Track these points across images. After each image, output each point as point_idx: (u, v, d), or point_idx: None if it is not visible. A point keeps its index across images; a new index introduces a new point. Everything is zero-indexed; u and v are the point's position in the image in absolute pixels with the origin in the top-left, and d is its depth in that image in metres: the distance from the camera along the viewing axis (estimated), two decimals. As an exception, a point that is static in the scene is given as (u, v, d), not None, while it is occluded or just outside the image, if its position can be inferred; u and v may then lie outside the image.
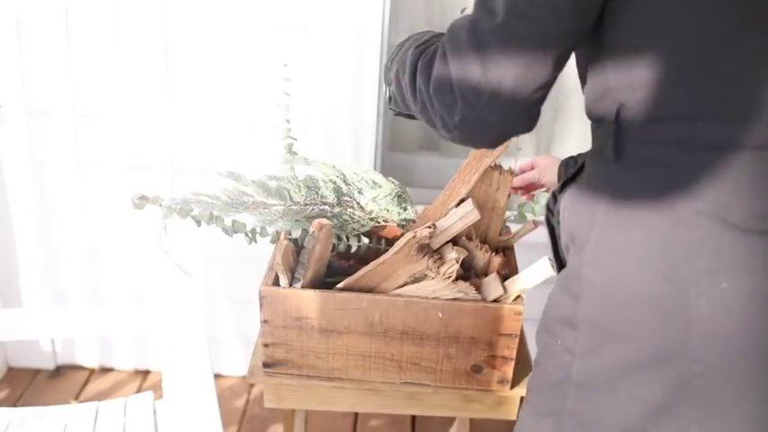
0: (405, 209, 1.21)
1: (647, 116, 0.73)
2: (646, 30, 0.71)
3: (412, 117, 0.97)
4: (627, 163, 0.75)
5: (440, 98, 0.78)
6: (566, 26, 0.72)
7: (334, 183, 1.20)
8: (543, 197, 1.24)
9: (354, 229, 1.22)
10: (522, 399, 1.19)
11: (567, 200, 0.84)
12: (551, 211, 0.90)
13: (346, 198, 1.21)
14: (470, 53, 0.74)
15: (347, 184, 1.21)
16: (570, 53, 0.77)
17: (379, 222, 1.22)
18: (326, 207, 1.19)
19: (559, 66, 0.76)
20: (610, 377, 0.75)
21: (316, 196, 1.19)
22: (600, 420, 0.77)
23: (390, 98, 1.01)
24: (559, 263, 0.90)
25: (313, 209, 1.18)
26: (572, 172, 0.87)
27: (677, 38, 0.70)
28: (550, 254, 0.91)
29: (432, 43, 0.84)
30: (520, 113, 0.77)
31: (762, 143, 0.69)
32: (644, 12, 0.71)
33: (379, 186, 1.20)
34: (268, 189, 1.15)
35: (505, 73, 0.73)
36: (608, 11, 0.73)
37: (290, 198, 1.17)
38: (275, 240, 1.23)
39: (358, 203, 1.21)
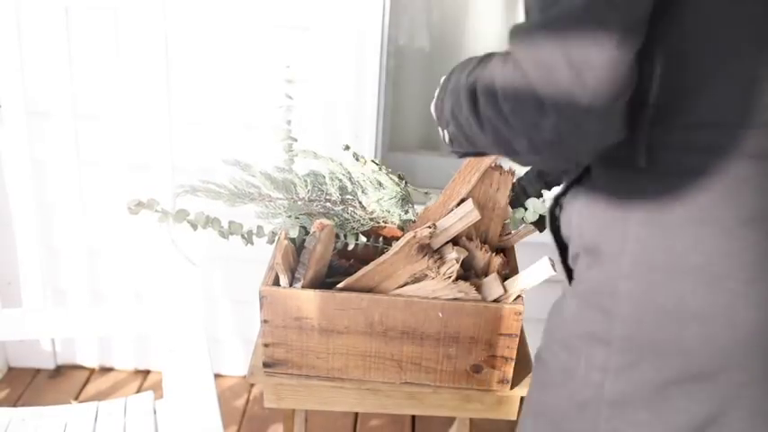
0: (406, 211, 1.21)
1: (685, 123, 0.69)
2: (696, 37, 0.66)
3: (481, 153, 0.85)
4: (660, 171, 0.71)
5: (521, 118, 0.66)
6: (646, 11, 0.64)
7: (340, 180, 1.21)
8: (532, 203, 1.23)
9: (354, 228, 1.22)
10: (521, 399, 1.19)
11: (577, 206, 0.79)
12: (554, 217, 0.86)
13: (349, 197, 1.21)
14: (554, 55, 0.62)
15: (352, 183, 1.21)
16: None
17: (378, 223, 1.22)
18: (329, 204, 1.20)
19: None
20: (650, 393, 0.73)
21: (320, 192, 1.19)
22: None
23: (451, 141, 0.85)
24: (567, 270, 0.85)
25: (316, 205, 1.18)
26: (575, 176, 0.82)
27: (726, 46, 0.66)
28: (557, 259, 0.86)
29: (483, 64, 0.73)
30: (619, 117, 0.66)
31: None
32: (696, 18, 0.66)
33: (384, 188, 1.20)
34: (275, 181, 1.16)
35: (600, 72, 0.61)
36: (660, 15, 0.66)
37: (296, 192, 1.17)
38: (271, 241, 1.23)
39: (360, 203, 1.21)
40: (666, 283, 0.71)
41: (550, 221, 0.86)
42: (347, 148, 1.27)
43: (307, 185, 1.18)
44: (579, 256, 0.80)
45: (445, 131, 0.83)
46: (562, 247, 0.85)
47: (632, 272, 0.73)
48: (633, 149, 0.72)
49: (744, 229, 0.68)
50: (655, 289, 0.72)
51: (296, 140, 1.29)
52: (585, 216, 0.78)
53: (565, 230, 0.84)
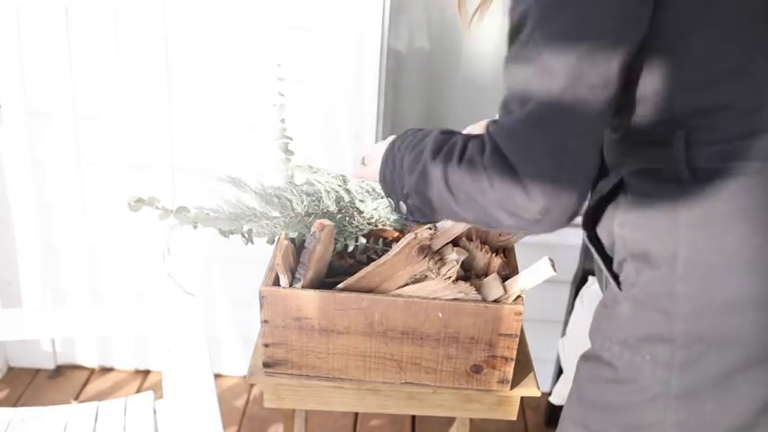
0: None
1: (714, 139, 0.75)
2: (712, 55, 0.73)
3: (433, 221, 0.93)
4: (701, 179, 0.77)
5: (509, 204, 0.75)
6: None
7: (337, 192, 1.21)
8: None
9: (353, 234, 1.22)
10: (522, 399, 1.19)
11: (617, 219, 0.85)
12: (591, 229, 0.90)
13: (347, 205, 1.21)
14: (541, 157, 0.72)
15: (349, 194, 1.22)
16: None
17: (377, 226, 1.22)
18: (327, 217, 1.20)
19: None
20: (715, 384, 0.78)
21: (317, 206, 1.19)
22: (709, 426, 0.80)
23: (410, 211, 0.90)
24: (613, 275, 0.90)
25: (314, 218, 1.18)
26: (607, 189, 0.87)
27: (736, 58, 0.73)
28: (604, 270, 0.91)
29: (451, 143, 0.81)
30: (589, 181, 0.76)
31: None
32: (706, 45, 0.73)
33: (381, 197, 1.20)
34: (270, 201, 1.15)
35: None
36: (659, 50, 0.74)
37: (292, 209, 1.17)
38: (271, 241, 1.23)
39: (358, 210, 1.21)
40: (722, 280, 0.76)
41: (587, 233, 0.91)
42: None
43: (303, 202, 1.18)
44: (626, 261, 0.85)
45: (401, 203, 0.89)
46: (603, 255, 0.90)
47: (688, 273, 0.78)
48: (674, 166, 0.78)
49: None
50: (711, 286, 0.77)
51: (291, 139, 1.29)
52: (629, 226, 0.83)
53: (605, 240, 0.89)
